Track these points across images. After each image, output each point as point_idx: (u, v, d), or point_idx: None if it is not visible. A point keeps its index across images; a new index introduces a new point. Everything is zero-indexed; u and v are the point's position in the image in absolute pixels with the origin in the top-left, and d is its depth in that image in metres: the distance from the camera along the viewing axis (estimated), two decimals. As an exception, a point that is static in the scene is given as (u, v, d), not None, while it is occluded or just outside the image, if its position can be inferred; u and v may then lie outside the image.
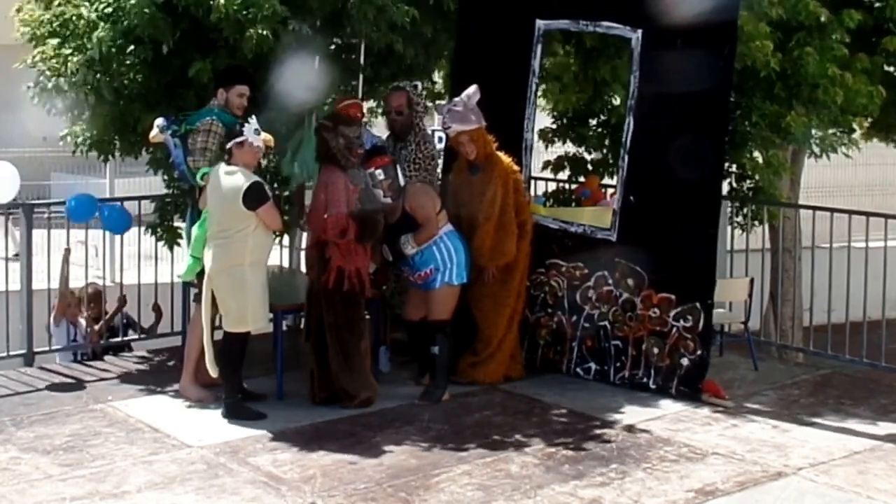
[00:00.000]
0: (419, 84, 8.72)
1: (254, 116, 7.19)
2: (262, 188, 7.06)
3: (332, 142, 7.30)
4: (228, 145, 7.10)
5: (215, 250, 7.11)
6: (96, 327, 9.31)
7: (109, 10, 7.87)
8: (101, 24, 7.83)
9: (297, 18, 7.86)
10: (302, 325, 8.15)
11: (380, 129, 8.69)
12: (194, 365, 7.56)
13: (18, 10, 8.39)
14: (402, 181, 7.61)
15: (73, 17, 7.97)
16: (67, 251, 8.87)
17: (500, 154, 7.89)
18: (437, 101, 9.98)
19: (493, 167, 7.82)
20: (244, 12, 7.60)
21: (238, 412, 7.17)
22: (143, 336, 9.40)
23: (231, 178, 7.04)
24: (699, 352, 7.65)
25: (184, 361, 7.65)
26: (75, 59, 7.86)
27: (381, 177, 7.50)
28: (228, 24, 7.66)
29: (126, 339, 9.31)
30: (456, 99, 7.93)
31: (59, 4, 8.11)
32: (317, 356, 7.40)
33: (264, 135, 7.18)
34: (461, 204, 7.83)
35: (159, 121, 7.56)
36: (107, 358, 8.82)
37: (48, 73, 8.05)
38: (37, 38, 8.19)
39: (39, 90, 8.11)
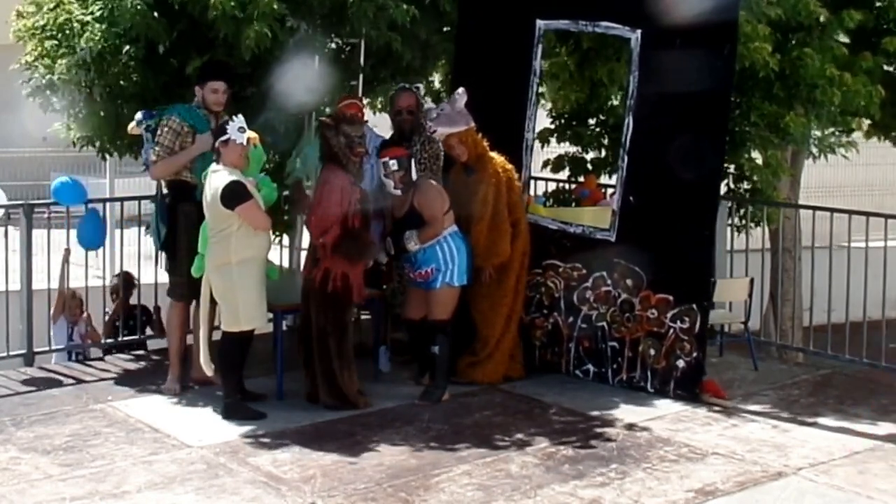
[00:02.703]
0: (420, 86, 8.74)
1: (240, 115, 7.19)
2: (238, 188, 7.00)
3: (332, 140, 7.29)
4: (215, 144, 7.11)
5: (209, 249, 7.15)
6: (100, 329, 9.31)
7: (104, 12, 7.87)
8: (97, 25, 7.82)
9: (296, 17, 7.86)
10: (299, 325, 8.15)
11: (381, 129, 8.68)
12: (179, 367, 7.63)
13: (18, 15, 8.38)
14: (414, 175, 7.61)
15: (66, 21, 7.96)
16: (67, 251, 8.87)
17: (493, 154, 7.89)
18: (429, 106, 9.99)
19: (485, 167, 7.82)
20: (241, 9, 7.60)
21: (237, 412, 7.18)
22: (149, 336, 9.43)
23: (214, 178, 7.05)
24: (695, 353, 7.64)
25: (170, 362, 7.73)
26: (65, 60, 7.86)
27: (395, 167, 7.52)
28: (225, 22, 7.66)
29: (131, 338, 9.30)
30: (443, 103, 7.94)
31: (51, 10, 8.10)
32: (304, 356, 7.40)
33: (249, 132, 7.16)
34: (460, 205, 7.82)
35: (138, 114, 7.63)
36: (107, 358, 8.83)
37: (42, 69, 8.05)
38: (35, 46, 8.19)
39: (34, 87, 8.12)
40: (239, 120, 7.10)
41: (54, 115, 8.45)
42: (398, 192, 7.55)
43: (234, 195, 6.98)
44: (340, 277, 7.22)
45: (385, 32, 8.19)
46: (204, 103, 7.53)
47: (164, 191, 7.68)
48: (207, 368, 7.32)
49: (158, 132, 7.47)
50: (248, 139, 7.11)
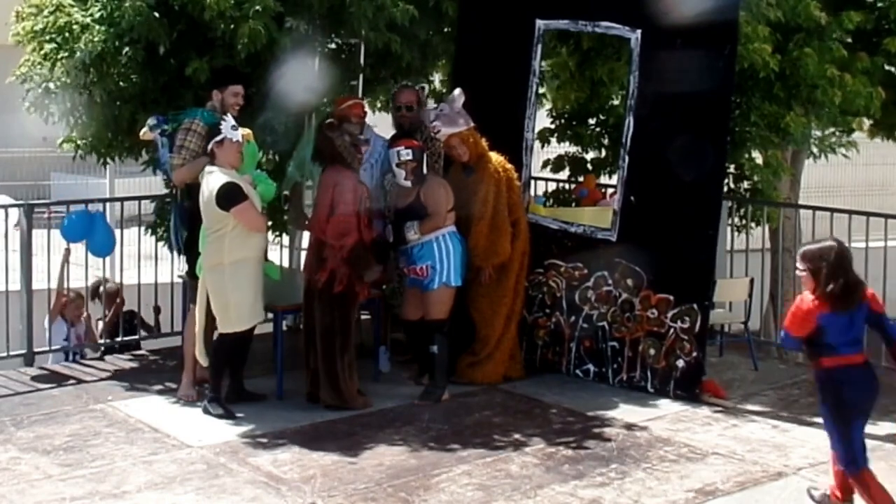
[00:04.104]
0: (426, 86, 8.74)
1: (228, 115, 7.17)
2: (234, 189, 6.97)
3: (337, 140, 7.28)
4: (210, 146, 7.09)
5: (204, 249, 7.14)
6: (99, 327, 9.30)
7: (104, 13, 7.87)
8: (97, 26, 7.82)
9: (295, 17, 7.86)
10: (302, 325, 8.14)
11: (381, 129, 8.68)
12: (194, 372, 7.58)
13: (18, 17, 8.37)
14: (425, 168, 7.62)
15: (66, 24, 7.96)
16: (67, 251, 8.87)
17: (493, 154, 7.89)
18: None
19: (485, 167, 7.82)
20: (237, 8, 7.60)
21: (215, 409, 7.17)
22: (145, 336, 9.41)
23: (210, 179, 7.04)
24: (695, 353, 7.65)
25: (184, 365, 7.66)
26: (64, 62, 7.86)
27: (408, 157, 7.54)
28: (222, 21, 7.65)
29: (131, 338, 9.29)
30: (441, 104, 7.95)
31: (51, 13, 8.10)
32: (307, 356, 7.40)
33: (242, 129, 7.12)
34: (460, 205, 7.82)
35: (151, 119, 7.61)
36: (107, 358, 8.83)
37: (37, 78, 8.04)
38: (34, 49, 8.19)
39: (33, 98, 8.11)
40: (230, 119, 7.10)
41: (53, 124, 8.43)
42: (408, 182, 7.56)
43: (229, 196, 6.96)
44: (347, 277, 7.20)
45: (384, 33, 8.19)
46: (222, 106, 7.49)
47: (178, 193, 7.67)
48: (202, 359, 7.32)
49: (182, 136, 7.37)
50: (242, 136, 7.10)
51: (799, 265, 5.62)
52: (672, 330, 7.69)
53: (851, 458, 5.59)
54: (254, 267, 7.19)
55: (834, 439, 5.65)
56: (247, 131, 7.24)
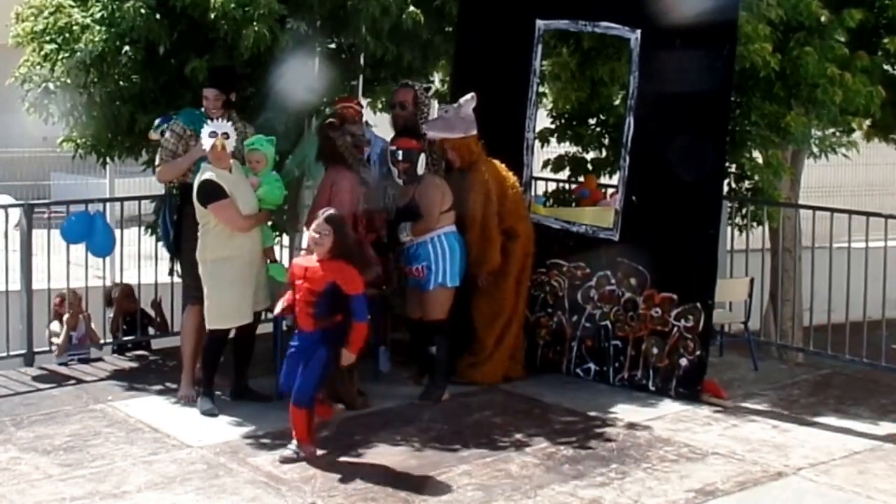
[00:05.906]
0: (430, 86, 8.72)
1: (221, 119, 7.17)
2: (210, 186, 7.00)
3: (338, 140, 7.29)
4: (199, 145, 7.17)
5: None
6: (99, 331, 9.28)
7: (105, 13, 7.87)
8: (97, 27, 7.82)
9: (296, 18, 7.86)
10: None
11: (381, 129, 8.68)
12: (193, 372, 7.57)
13: (17, 18, 8.36)
14: (420, 170, 7.61)
15: (67, 24, 7.96)
16: (77, 299, 8.79)
17: (490, 161, 7.85)
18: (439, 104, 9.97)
19: (474, 176, 7.80)
20: (241, 10, 7.60)
21: (202, 405, 7.21)
22: (155, 334, 9.41)
23: (199, 175, 7.10)
24: (698, 352, 7.66)
25: (182, 365, 7.66)
26: (64, 62, 7.86)
27: (400, 157, 7.53)
28: (227, 22, 7.65)
29: (135, 338, 9.29)
30: (450, 105, 7.94)
31: (51, 13, 8.10)
32: None
33: (223, 139, 7.01)
34: (458, 205, 7.80)
35: (157, 121, 7.65)
36: (107, 358, 8.83)
37: (37, 79, 8.04)
38: (34, 49, 8.18)
39: (32, 98, 8.11)
40: (213, 125, 7.08)
41: (53, 124, 8.43)
42: (401, 181, 7.58)
43: (205, 193, 7.01)
44: None
45: (383, 42, 8.17)
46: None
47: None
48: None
49: (167, 137, 7.49)
50: (215, 145, 7.00)
51: (322, 230, 6.30)
52: (676, 329, 7.70)
53: (312, 396, 6.37)
54: (238, 267, 7.14)
55: (310, 383, 6.33)
56: (222, 141, 7.18)
